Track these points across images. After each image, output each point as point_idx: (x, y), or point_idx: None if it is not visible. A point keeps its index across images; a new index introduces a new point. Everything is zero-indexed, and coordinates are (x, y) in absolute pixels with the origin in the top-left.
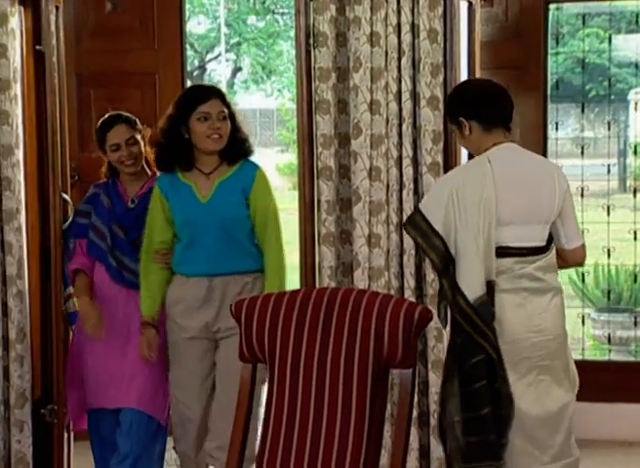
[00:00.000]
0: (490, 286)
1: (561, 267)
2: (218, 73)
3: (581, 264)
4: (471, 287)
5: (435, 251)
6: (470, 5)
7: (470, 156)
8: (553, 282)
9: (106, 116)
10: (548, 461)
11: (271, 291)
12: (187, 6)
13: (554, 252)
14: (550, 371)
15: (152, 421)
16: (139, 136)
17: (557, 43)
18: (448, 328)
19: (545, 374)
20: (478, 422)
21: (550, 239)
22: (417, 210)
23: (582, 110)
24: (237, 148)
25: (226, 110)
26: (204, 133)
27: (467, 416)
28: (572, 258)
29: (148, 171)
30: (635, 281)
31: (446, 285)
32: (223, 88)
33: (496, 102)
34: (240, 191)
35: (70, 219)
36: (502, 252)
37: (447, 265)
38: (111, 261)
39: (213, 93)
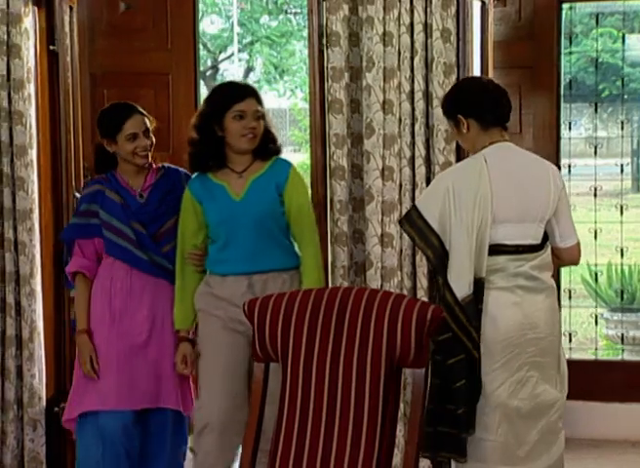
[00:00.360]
0: (479, 283)
1: (557, 266)
2: (230, 73)
3: (577, 263)
4: (460, 284)
5: (431, 248)
6: (483, 4)
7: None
8: (548, 281)
9: (116, 104)
10: (521, 458)
11: (310, 286)
12: (200, 6)
13: (549, 251)
14: (540, 368)
15: (183, 419)
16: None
17: (570, 42)
18: None
19: (535, 370)
20: (452, 416)
21: (545, 238)
22: (413, 207)
23: (596, 110)
24: (269, 146)
25: (261, 109)
26: (239, 131)
27: (442, 409)
28: (567, 257)
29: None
30: None
31: (440, 282)
32: None
33: (496, 102)
34: (274, 188)
35: (76, 221)
36: (498, 249)
37: (443, 263)
38: (142, 256)
39: (249, 91)
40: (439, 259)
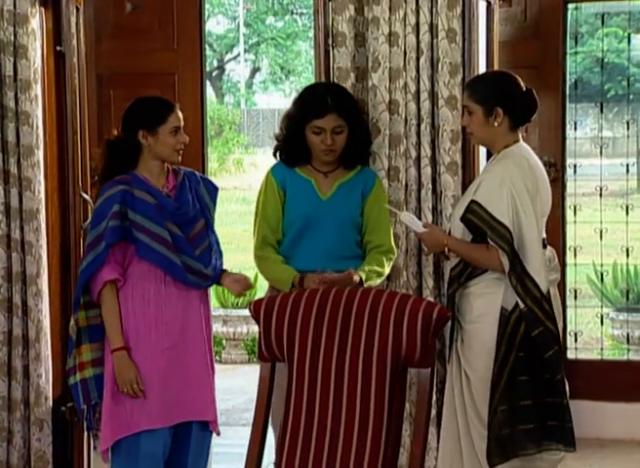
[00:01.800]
0: None
1: None
2: (236, 73)
3: None
4: (541, 278)
5: (502, 239)
6: (489, 5)
7: (489, 153)
8: None
9: (154, 97)
10: None
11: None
12: (207, 6)
13: None
14: None
15: (207, 433)
16: None
17: (576, 43)
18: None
19: None
20: (558, 408)
21: None
22: (474, 202)
23: (601, 110)
24: (355, 154)
25: (344, 122)
26: (317, 145)
27: (543, 402)
28: None
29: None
30: None
31: (516, 279)
32: (242, 89)
33: (535, 106)
34: (360, 193)
35: (105, 224)
36: (543, 243)
37: (516, 258)
38: (176, 261)
39: (330, 107)
40: (513, 254)
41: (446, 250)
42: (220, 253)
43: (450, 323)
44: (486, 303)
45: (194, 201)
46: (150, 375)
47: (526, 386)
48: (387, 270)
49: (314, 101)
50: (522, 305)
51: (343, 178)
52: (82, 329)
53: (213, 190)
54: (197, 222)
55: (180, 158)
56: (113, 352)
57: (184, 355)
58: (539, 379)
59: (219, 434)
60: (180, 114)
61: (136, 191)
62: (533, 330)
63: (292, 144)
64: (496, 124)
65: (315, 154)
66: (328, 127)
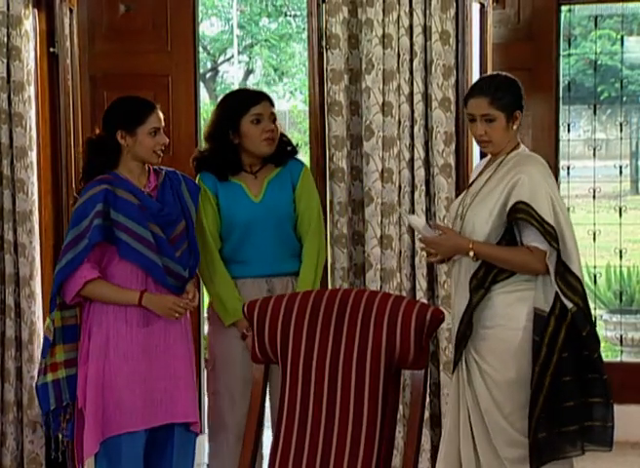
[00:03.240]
0: None
1: None
2: (230, 75)
3: None
4: (580, 272)
5: (551, 236)
6: (482, 7)
7: (482, 155)
8: None
9: (134, 97)
10: None
11: (303, 289)
12: (200, 8)
13: None
14: None
15: (190, 435)
16: None
17: (569, 45)
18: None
19: None
20: (603, 407)
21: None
22: (522, 202)
23: (594, 112)
24: (286, 150)
25: (274, 112)
26: (258, 136)
27: (585, 403)
28: None
29: None
30: None
31: (562, 280)
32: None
33: None
34: (290, 188)
35: (87, 223)
36: None
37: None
38: (158, 262)
39: (263, 95)
40: (557, 253)
41: (471, 254)
42: (198, 254)
43: (458, 329)
44: (514, 306)
45: (175, 201)
46: (132, 377)
47: (570, 387)
48: (317, 265)
49: (246, 92)
50: (570, 305)
51: (271, 174)
52: (57, 329)
53: (194, 190)
54: (178, 224)
55: (159, 159)
56: (139, 303)
57: (166, 356)
58: (583, 379)
59: (199, 434)
60: (161, 115)
61: (118, 191)
62: (584, 329)
63: (224, 152)
64: (514, 127)
65: (255, 149)
66: (266, 112)
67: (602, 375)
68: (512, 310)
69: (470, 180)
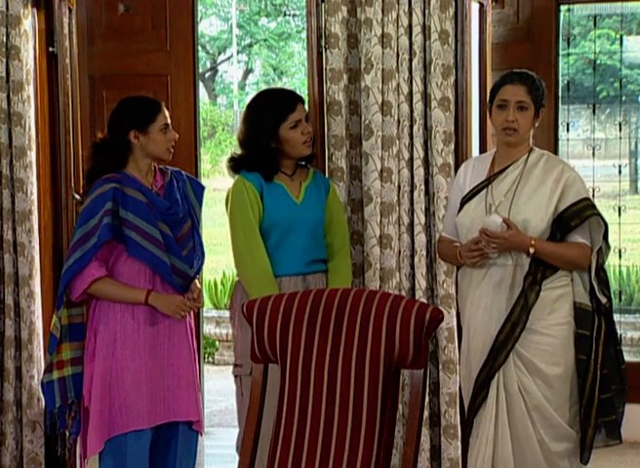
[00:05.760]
0: None
1: None
2: (229, 75)
3: None
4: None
5: (603, 235)
6: (482, 6)
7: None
8: None
9: (140, 96)
10: None
11: (347, 284)
12: (199, 7)
13: None
14: None
15: (193, 433)
16: None
17: (568, 44)
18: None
19: None
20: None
21: None
22: (587, 200)
23: (594, 111)
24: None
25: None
26: (299, 139)
27: (621, 390)
28: None
29: None
30: None
31: (597, 276)
32: (235, 90)
33: None
34: (324, 195)
35: (96, 222)
36: None
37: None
38: (166, 260)
39: (297, 97)
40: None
41: (531, 250)
42: (203, 254)
43: (500, 331)
44: (559, 301)
45: (182, 201)
46: (138, 375)
47: (608, 379)
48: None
49: (283, 98)
50: (604, 300)
51: (306, 181)
52: (63, 327)
53: (199, 190)
54: (185, 223)
55: (171, 156)
56: (146, 302)
57: (170, 355)
58: (617, 371)
59: (202, 434)
60: (167, 112)
61: (127, 189)
62: (613, 322)
63: (264, 157)
64: (536, 124)
65: (296, 152)
66: (302, 116)
67: (622, 365)
68: (560, 304)
69: (468, 183)
